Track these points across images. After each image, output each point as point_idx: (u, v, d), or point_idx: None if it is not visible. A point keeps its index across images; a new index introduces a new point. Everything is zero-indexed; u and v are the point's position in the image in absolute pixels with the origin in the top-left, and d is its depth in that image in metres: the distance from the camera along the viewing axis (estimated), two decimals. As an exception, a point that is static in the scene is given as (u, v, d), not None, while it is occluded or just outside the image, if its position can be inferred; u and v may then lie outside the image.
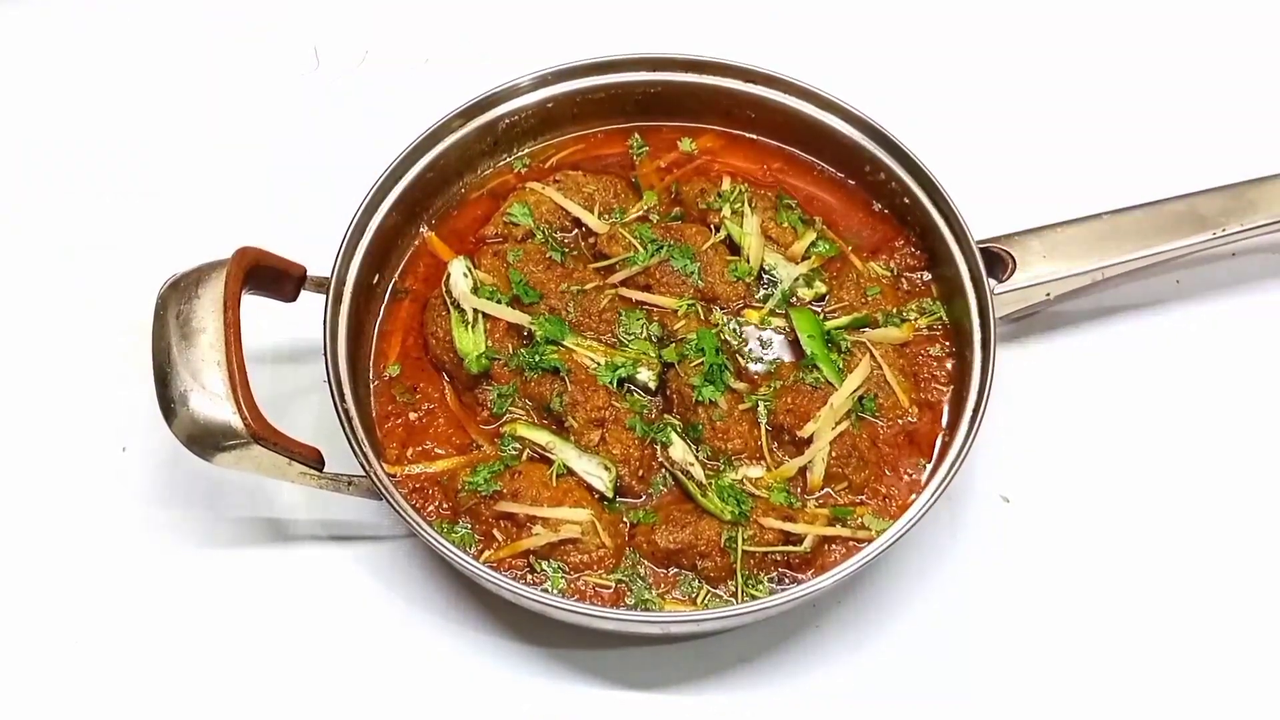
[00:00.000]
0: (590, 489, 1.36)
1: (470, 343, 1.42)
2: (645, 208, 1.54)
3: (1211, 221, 1.50)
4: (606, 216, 1.53)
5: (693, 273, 1.47)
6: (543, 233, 1.51)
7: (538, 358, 1.40)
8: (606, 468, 1.36)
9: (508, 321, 1.43)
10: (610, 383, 1.40)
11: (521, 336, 1.44)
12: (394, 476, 1.37)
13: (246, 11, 1.86)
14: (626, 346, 1.43)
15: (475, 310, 1.43)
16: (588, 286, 1.46)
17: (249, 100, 1.78)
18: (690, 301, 1.45)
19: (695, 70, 1.58)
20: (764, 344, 1.46)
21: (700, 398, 1.38)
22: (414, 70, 1.81)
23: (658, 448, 1.39)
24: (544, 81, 1.57)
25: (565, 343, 1.42)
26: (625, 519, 1.36)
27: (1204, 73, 1.82)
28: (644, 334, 1.44)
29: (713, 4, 1.87)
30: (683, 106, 1.60)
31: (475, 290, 1.44)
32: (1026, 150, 1.74)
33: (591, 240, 1.52)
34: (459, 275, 1.45)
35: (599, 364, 1.41)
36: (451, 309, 1.44)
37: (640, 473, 1.37)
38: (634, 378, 1.41)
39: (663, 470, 1.39)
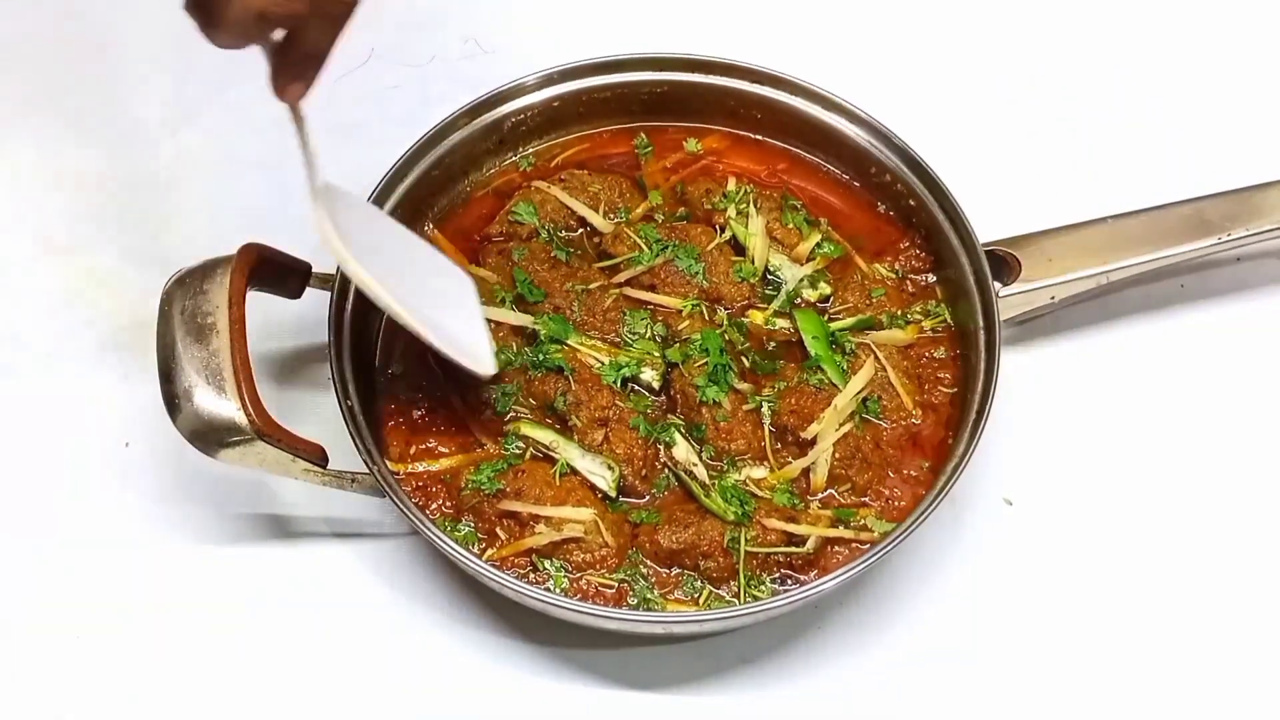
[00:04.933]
0: (593, 488, 1.36)
1: None
2: (650, 207, 1.54)
3: (1216, 226, 1.50)
4: (612, 216, 1.53)
5: (697, 273, 1.47)
6: (547, 231, 1.51)
7: (541, 356, 1.40)
8: (610, 467, 1.36)
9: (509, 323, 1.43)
10: (614, 382, 1.40)
11: (525, 335, 1.43)
12: (397, 474, 1.37)
13: (253, 8, 1.85)
14: (630, 346, 1.43)
15: None
16: (592, 286, 1.46)
17: (253, 96, 1.77)
18: (695, 302, 1.45)
19: (701, 70, 1.58)
20: (768, 345, 1.46)
21: (704, 398, 1.38)
22: (419, 68, 1.81)
23: (661, 448, 1.39)
24: (550, 80, 1.57)
25: (569, 342, 1.42)
26: (629, 519, 1.36)
27: (1210, 77, 1.82)
28: (648, 334, 1.44)
29: (719, 4, 1.87)
30: (689, 107, 1.60)
31: None
32: (1032, 154, 1.74)
33: (596, 240, 1.52)
34: None
35: (603, 363, 1.41)
36: None
37: (644, 472, 1.37)
38: (638, 377, 1.41)
39: (666, 470, 1.39)
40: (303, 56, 1.18)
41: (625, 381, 1.41)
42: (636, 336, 1.44)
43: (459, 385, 1.43)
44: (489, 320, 1.42)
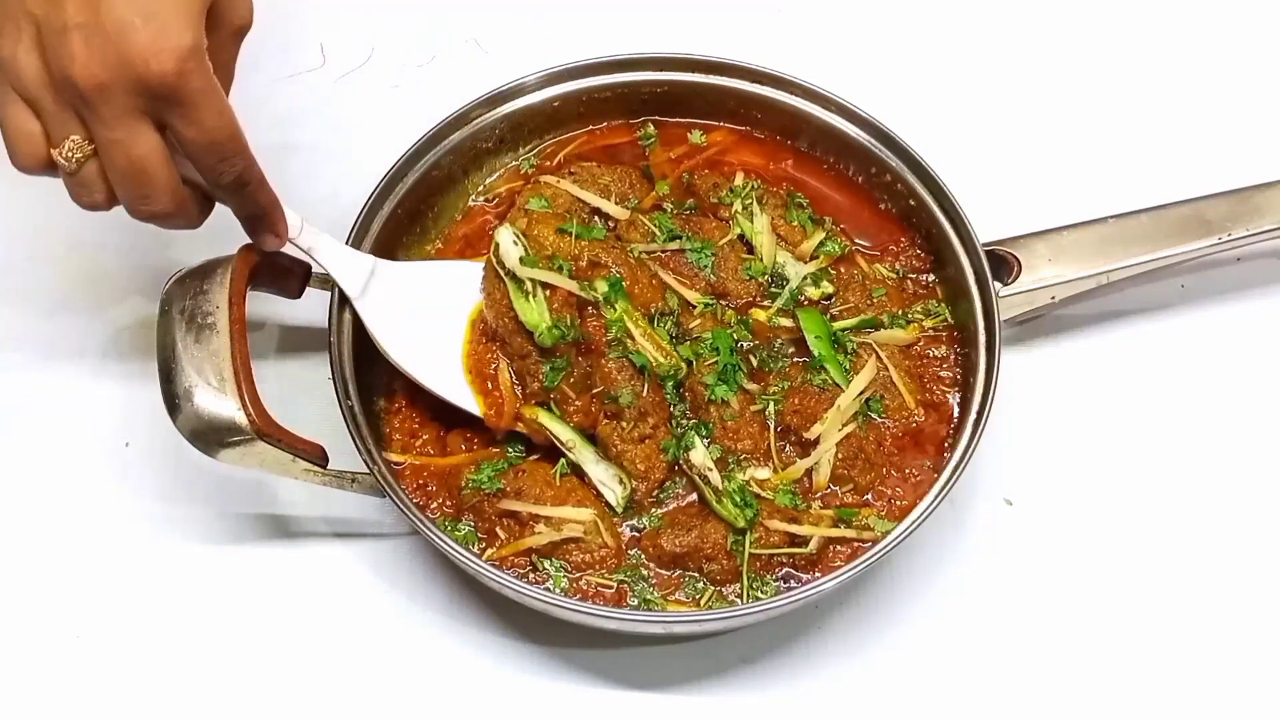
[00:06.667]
0: (595, 490, 1.36)
1: (536, 315, 1.36)
2: (659, 197, 1.54)
3: (1217, 226, 1.50)
4: (623, 205, 1.52)
5: (706, 266, 1.46)
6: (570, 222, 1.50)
7: (620, 336, 1.37)
8: (621, 481, 1.35)
9: (566, 290, 1.37)
10: (668, 400, 1.38)
11: (580, 307, 1.39)
12: (400, 465, 1.37)
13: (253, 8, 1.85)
14: (654, 328, 1.41)
15: (533, 280, 1.38)
16: (639, 251, 1.45)
17: (255, 96, 1.77)
18: (710, 300, 1.45)
19: (702, 70, 1.58)
20: (773, 344, 1.45)
21: (713, 397, 1.37)
22: (420, 68, 1.81)
23: (679, 454, 1.37)
24: (550, 80, 1.57)
25: (620, 306, 1.38)
26: (631, 525, 1.35)
27: (1210, 77, 1.82)
28: (675, 316, 1.42)
29: (720, 4, 1.86)
30: (689, 106, 1.60)
31: (524, 260, 1.38)
32: (1032, 153, 1.74)
33: (612, 225, 1.51)
34: (508, 244, 1.39)
35: (658, 360, 1.38)
36: (507, 280, 1.39)
37: (654, 493, 1.37)
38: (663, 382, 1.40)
39: (677, 476, 1.38)
40: (249, 217, 1.31)
41: (679, 386, 1.39)
42: (665, 318, 1.42)
43: (507, 354, 1.40)
44: (543, 284, 1.37)
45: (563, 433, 1.37)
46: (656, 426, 1.37)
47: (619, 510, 1.35)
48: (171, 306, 1.31)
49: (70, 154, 1.17)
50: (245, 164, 1.22)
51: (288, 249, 1.38)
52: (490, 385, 1.39)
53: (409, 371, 1.39)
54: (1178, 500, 1.49)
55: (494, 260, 1.41)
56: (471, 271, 1.44)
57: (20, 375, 1.54)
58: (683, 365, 1.39)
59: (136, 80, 1.10)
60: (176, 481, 1.47)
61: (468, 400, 1.39)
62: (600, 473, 1.35)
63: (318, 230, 1.36)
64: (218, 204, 1.30)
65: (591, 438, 1.38)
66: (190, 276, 1.33)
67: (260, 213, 1.30)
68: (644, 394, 1.36)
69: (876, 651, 1.39)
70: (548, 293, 1.37)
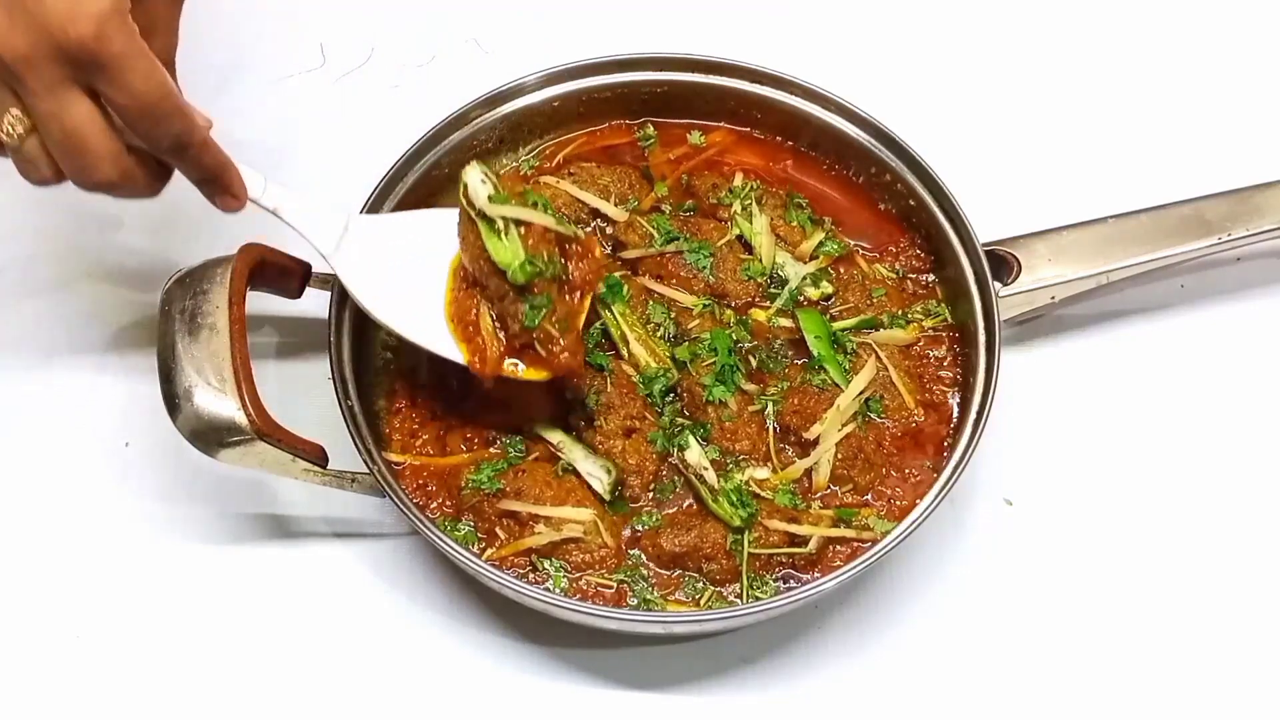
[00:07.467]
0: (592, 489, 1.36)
1: (508, 253, 1.31)
2: (658, 198, 1.54)
3: (1217, 226, 1.51)
4: (622, 206, 1.53)
5: (705, 268, 1.46)
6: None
7: (590, 345, 1.39)
8: (608, 470, 1.35)
9: (542, 226, 1.33)
10: (648, 395, 1.39)
11: (560, 244, 1.35)
12: (399, 465, 1.37)
13: (252, 8, 1.86)
14: (650, 336, 1.42)
15: (504, 218, 1.34)
16: (619, 274, 1.46)
17: (254, 96, 1.78)
18: (707, 301, 1.45)
19: (702, 70, 1.58)
20: (772, 345, 1.45)
21: (710, 397, 1.38)
22: (419, 68, 1.81)
23: (675, 451, 1.37)
24: (550, 80, 1.57)
25: (615, 308, 1.40)
26: (631, 525, 1.35)
27: (1210, 77, 1.82)
28: (666, 323, 1.43)
29: (719, 4, 1.87)
30: (689, 106, 1.60)
31: (493, 198, 1.34)
32: (1032, 153, 1.74)
33: (609, 229, 1.51)
34: (476, 183, 1.35)
35: (649, 364, 1.39)
36: (478, 220, 1.34)
37: (651, 485, 1.37)
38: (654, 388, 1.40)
39: (674, 475, 1.38)
40: (200, 181, 1.27)
41: (669, 391, 1.40)
42: (654, 327, 1.43)
43: (487, 296, 1.37)
44: (518, 221, 1.32)
45: (552, 435, 1.38)
46: (634, 418, 1.38)
47: (606, 498, 1.35)
48: (171, 306, 1.31)
49: (11, 129, 1.14)
50: (182, 126, 1.18)
51: (285, 247, 1.38)
52: (472, 330, 1.35)
53: (390, 324, 1.35)
54: (1178, 500, 1.49)
55: (463, 201, 1.36)
56: (450, 219, 1.40)
57: (20, 375, 1.54)
58: (674, 371, 1.39)
59: (57, 48, 1.08)
60: (176, 481, 1.47)
61: (451, 349, 1.35)
62: (589, 466, 1.36)
63: (284, 188, 1.33)
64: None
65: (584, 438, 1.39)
66: (190, 276, 1.33)
67: (210, 175, 1.26)
68: (607, 389, 1.37)
69: (876, 651, 1.39)
70: (521, 230, 1.33)
